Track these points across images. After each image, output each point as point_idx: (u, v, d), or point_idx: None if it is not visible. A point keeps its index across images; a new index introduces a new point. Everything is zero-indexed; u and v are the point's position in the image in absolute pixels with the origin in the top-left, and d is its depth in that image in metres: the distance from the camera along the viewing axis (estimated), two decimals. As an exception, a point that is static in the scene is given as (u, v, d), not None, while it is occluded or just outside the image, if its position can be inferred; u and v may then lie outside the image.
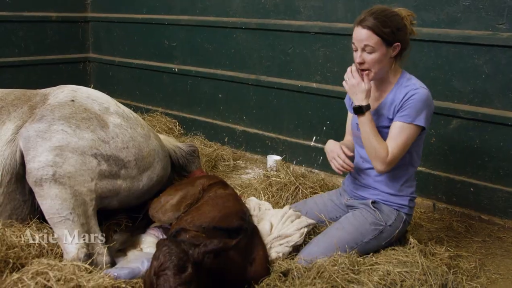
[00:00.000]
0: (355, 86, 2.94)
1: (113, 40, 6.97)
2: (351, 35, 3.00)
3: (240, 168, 5.16)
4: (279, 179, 4.01)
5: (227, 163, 5.17)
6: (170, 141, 4.03)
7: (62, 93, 3.39)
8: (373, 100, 3.09)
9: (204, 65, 5.84)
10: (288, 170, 4.12)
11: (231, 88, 5.60)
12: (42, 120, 3.11)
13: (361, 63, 2.92)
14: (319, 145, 4.83)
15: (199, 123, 5.96)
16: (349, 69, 2.99)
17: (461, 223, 3.92)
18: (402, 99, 2.91)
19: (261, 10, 5.18)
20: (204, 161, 4.91)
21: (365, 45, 2.87)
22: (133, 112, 3.64)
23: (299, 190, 3.91)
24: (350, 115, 3.36)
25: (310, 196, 3.79)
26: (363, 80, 2.93)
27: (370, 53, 2.88)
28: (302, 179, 4.00)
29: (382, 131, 3.01)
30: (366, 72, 2.93)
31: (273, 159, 4.76)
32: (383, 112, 3.02)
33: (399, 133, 2.89)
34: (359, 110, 2.93)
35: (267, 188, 3.98)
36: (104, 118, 3.31)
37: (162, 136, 3.96)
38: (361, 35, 2.87)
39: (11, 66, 6.46)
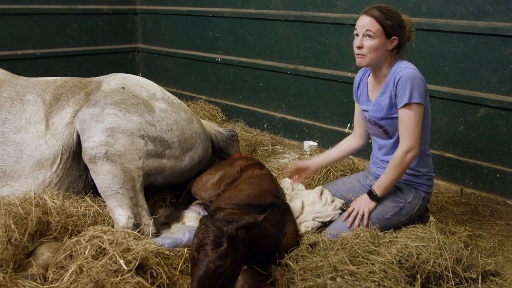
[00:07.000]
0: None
1: (160, 31, 7.25)
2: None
3: (278, 153, 5.37)
4: (312, 162, 4.19)
5: (266, 148, 5.39)
6: (211, 126, 4.28)
7: (114, 80, 3.72)
8: (372, 91, 3.32)
9: (245, 55, 6.07)
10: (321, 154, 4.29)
11: (271, 77, 5.81)
12: (96, 105, 3.45)
13: (359, 47, 3.12)
14: (353, 132, 4.99)
15: (240, 110, 6.20)
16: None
17: (487, 207, 4.04)
18: (394, 86, 3.09)
19: (299, 3, 5.37)
20: (244, 146, 5.15)
21: (367, 31, 3.07)
22: (177, 98, 3.92)
23: (330, 173, 4.12)
24: (358, 108, 3.55)
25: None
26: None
27: (370, 39, 3.08)
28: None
29: (383, 121, 3.22)
30: (361, 55, 3.13)
31: (308, 144, 4.97)
32: (382, 102, 3.20)
33: (405, 118, 3.06)
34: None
35: (300, 171, 4.17)
36: (151, 103, 3.61)
37: (204, 121, 4.21)
38: (365, 21, 3.08)
39: (65, 55, 6.83)
